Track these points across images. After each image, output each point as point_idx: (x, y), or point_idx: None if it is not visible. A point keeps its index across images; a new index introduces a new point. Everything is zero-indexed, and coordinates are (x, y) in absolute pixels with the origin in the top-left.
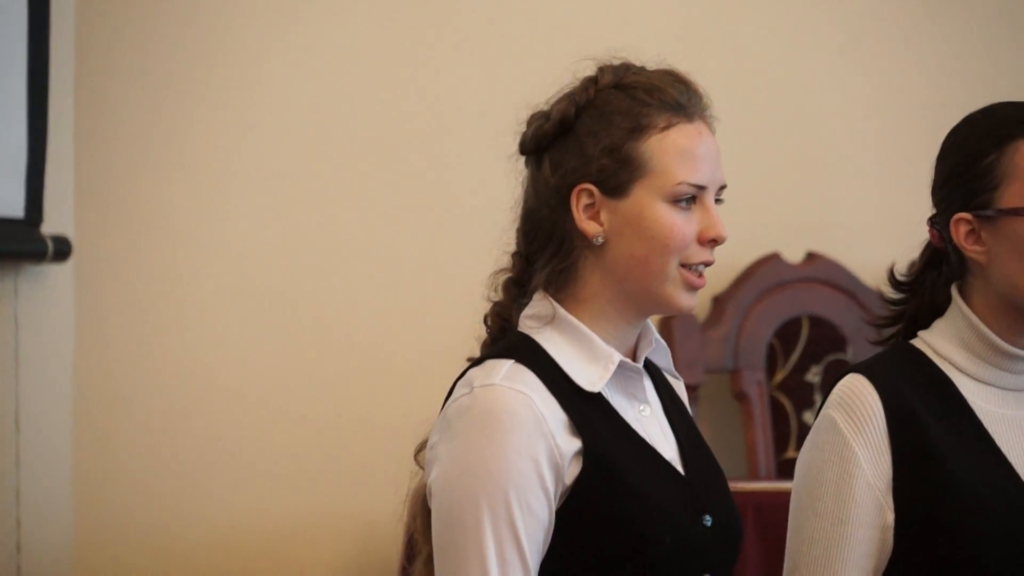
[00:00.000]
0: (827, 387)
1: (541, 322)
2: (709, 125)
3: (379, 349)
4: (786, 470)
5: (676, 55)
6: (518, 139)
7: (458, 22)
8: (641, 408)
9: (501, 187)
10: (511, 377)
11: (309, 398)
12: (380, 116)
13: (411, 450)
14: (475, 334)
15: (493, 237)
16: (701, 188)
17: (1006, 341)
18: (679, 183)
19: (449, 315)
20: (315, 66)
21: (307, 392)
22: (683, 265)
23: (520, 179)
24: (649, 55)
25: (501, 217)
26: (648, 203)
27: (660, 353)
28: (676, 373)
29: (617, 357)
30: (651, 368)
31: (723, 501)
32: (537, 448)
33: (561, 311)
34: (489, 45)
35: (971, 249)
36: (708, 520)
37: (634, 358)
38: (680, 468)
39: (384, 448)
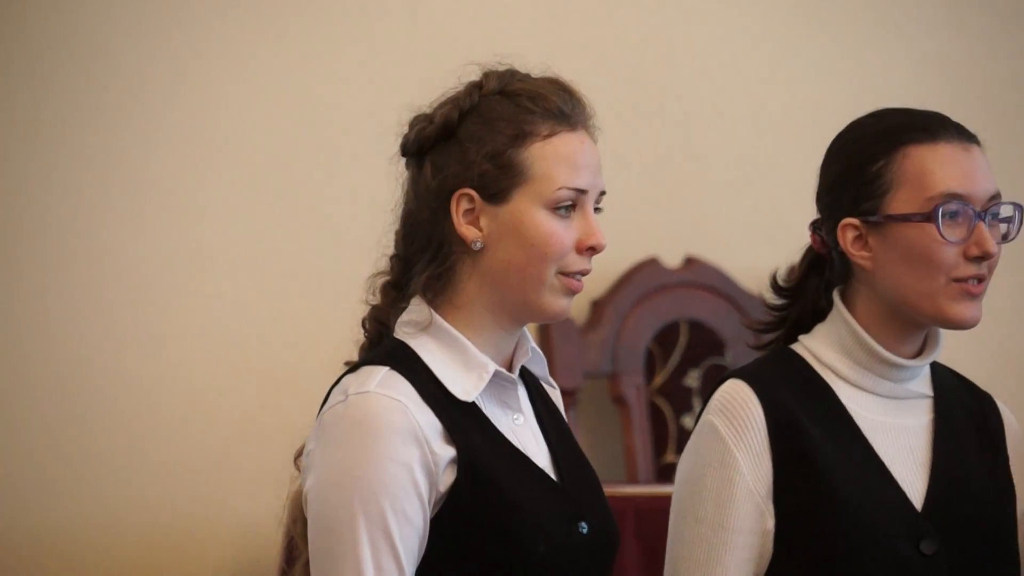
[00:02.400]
0: (706, 391)
1: (417, 328)
2: (591, 134)
3: (260, 352)
4: (665, 474)
5: (554, 59)
6: (400, 141)
7: (341, 22)
8: (515, 417)
9: (382, 189)
10: (385, 384)
11: (189, 401)
12: (261, 118)
13: (291, 452)
14: (354, 337)
15: (373, 239)
16: (581, 192)
17: (887, 349)
18: (559, 188)
19: (329, 318)
20: (193, 67)
21: (187, 395)
22: (561, 273)
23: (401, 181)
24: (529, 59)
25: (381, 219)
26: (528, 210)
27: (536, 362)
28: (552, 382)
29: (492, 367)
30: (527, 376)
31: (599, 508)
32: (411, 455)
33: (437, 318)
34: (372, 46)
35: (857, 255)
36: (584, 527)
37: (510, 366)
38: (554, 476)
39: (264, 451)
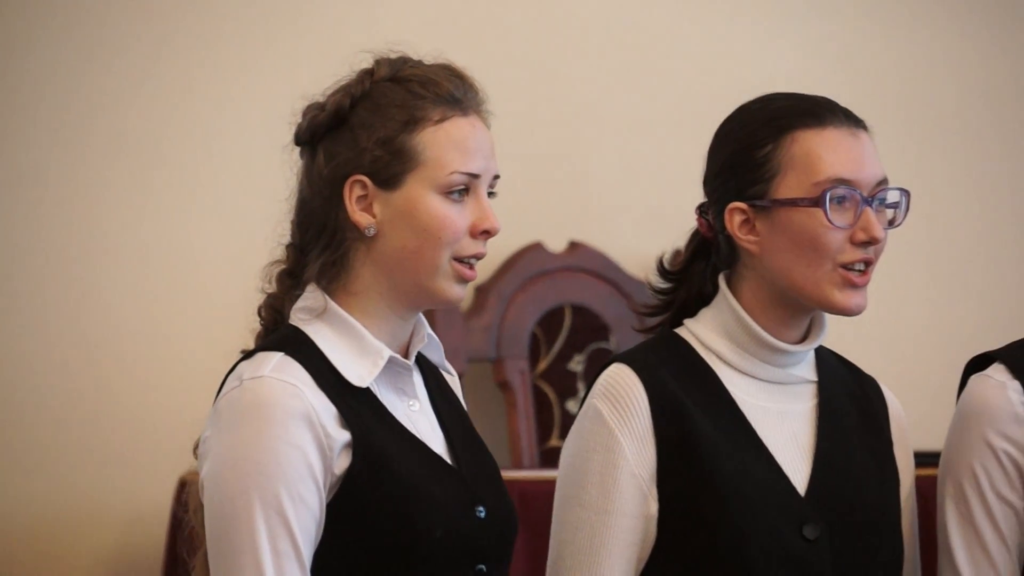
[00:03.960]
0: (590, 376)
1: (312, 315)
2: (484, 119)
3: (152, 340)
4: (550, 459)
5: (444, 46)
6: (293, 130)
7: (234, 14)
8: (410, 403)
9: (276, 178)
10: (280, 369)
11: (76, 389)
12: (155, 111)
13: (178, 441)
14: (250, 326)
15: (269, 228)
16: (474, 177)
17: (772, 334)
18: (451, 172)
19: (224, 306)
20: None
21: (76, 383)
22: (455, 258)
23: (295, 170)
24: (421, 46)
25: (277, 208)
26: (421, 195)
27: (433, 348)
28: (450, 368)
29: (387, 353)
30: (424, 363)
31: (496, 493)
32: (306, 439)
33: (332, 304)
34: (263, 35)
35: (744, 239)
36: (481, 512)
37: (406, 353)
38: (450, 462)
39: (150, 440)
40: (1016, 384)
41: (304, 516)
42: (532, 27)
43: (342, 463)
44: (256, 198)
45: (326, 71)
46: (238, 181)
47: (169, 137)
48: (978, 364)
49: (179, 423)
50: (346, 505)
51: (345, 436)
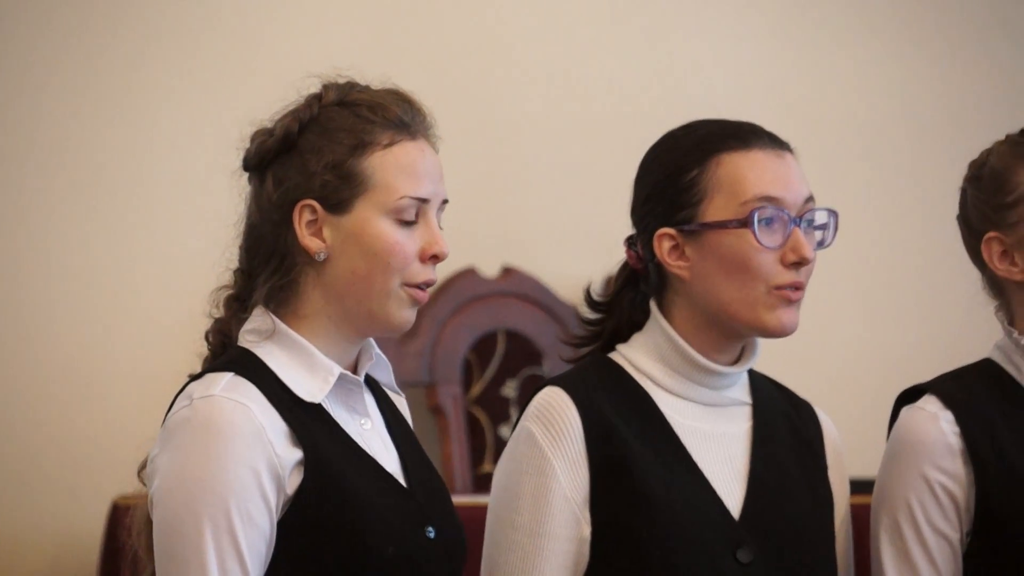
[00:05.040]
0: (523, 401)
1: (261, 336)
2: (432, 143)
3: (85, 364)
4: (482, 484)
5: (383, 70)
6: (242, 155)
7: (181, 38)
8: (362, 422)
9: (225, 204)
10: (230, 388)
11: (6, 412)
12: (105, 134)
13: (111, 466)
14: (197, 351)
15: (217, 254)
16: (423, 201)
17: (705, 356)
18: (401, 197)
19: (160, 331)
20: (12, 76)
21: (4, 406)
22: (406, 284)
23: (243, 196)
24: (363, 70)
25: (224, 233)
26: (370, 219)
27: (381, 368)
28: (397, 389)
29: (337, 370)
30: (372, 383)
31: (446, 514)
32: (257, 458)
33: (281, 325)
34: (212, 60)
35: (674, 264)
36: (431, 532)
37: (355, 372)
38: (403, 481)
39: (82, 464)
40: (948, 415)
41: (253, 536)
42: (468, 53)
43: (294, 481)
44: (202, 223)
45: (274, 96)
46: (184, 206)
47: (116, 161)
48: (909, 396)
49: (111, 447)
50: (297, 522)
51: (297, 454)
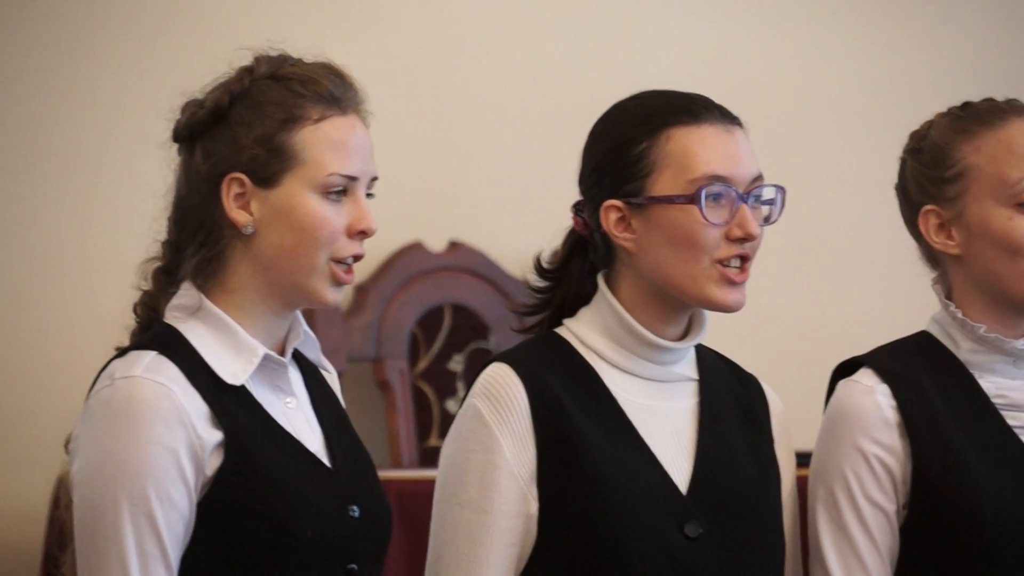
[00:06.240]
0: (469, 375)
1: (186, 313)
2: (363, 119)
3: (30, 335)
4: (429, 458)
5: (323, 43)
6: (172, 126)
7: (116, 7)
8: (287, 400)
9: (154, 175)
10: (152, 369)
11: None
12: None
13: (57, 438)
14: (125, 323)
15: (145, 225)
16: (352, 179)
17: (652, 331)
18: (330, 174)
19: (101, 303)
20: None
21: None
22: (333, 259)
23: (173, 167)
24: (301, 44)
25: (154, 205)
26: (298, 194)
27: (309, 345)
28: (328, 366)
29: (261, 351)
30: (302, 360)
31: (372, 492)
32: (176, 439)
33: (207, 302)
34: (145, 31)
35: (621, 236)
36: (355, 511)
37: (283, 349)
38: (326, 460)
39: (27, 437)
40: (884, 388)
41: (172, 517)
42: (412, 26)
43: (214, 462)
44: (132, 194)
45: (206, 68)
46: (114, 177)
47: (45, 132)
48: (846, 369)
49: (57, 419)
50: (217, 504)
51: (217, 435)
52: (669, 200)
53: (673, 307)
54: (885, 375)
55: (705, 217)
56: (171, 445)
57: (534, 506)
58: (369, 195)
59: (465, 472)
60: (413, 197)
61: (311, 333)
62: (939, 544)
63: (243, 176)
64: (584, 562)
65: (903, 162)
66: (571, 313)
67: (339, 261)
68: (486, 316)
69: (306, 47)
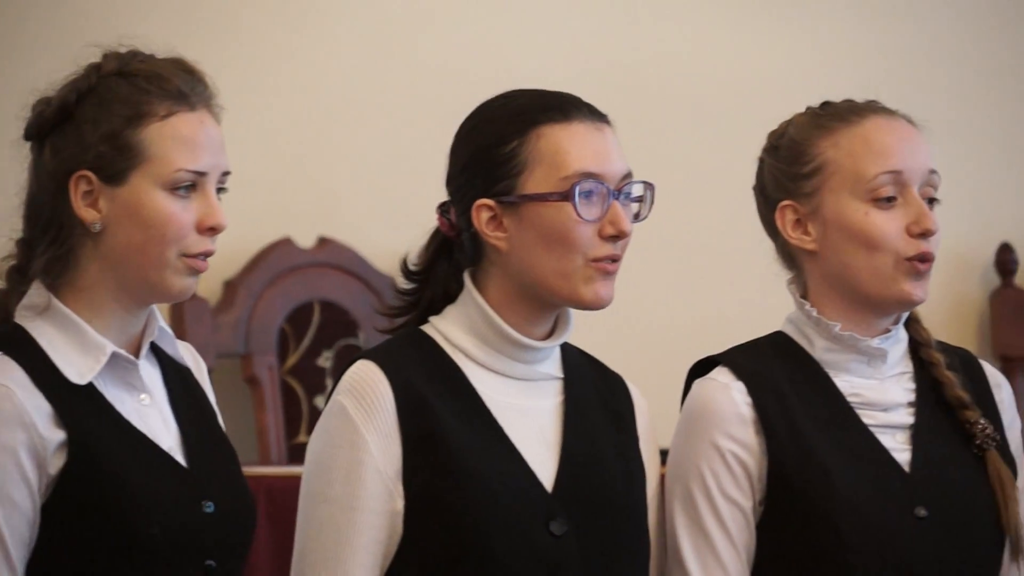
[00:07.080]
0: (338, 372)
1: (34, 312)
2: (214, 114)
3: None
4: (297, 455)
5: (185, 40)
6: (24, 125)
7: None
8: (141, 398)
9: (9, 173)
10: None
11: None
12: None
13: None
14: None
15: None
16: (201, 175)
17: (518, 331)
18: (177, 170)
19: None
20: None
21: None
22: (184, 255)
23: (27, 165)
24: (158, 41)
25: (7, 203)
26: (146, 191)
27: (166, 340)
28: (184, 360)
29: (109, 349)
30: (163, 356)
31: (231, 488)
32: (17, 440)
33: (55, 302)
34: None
35: (492, 236)
36: (210, 507)
37: (139, 345)
38: (181, 457)
39: None
40: (740, 385)
41: (15, 519)
42: (281, 21)
43: (57, 463)
44: None
45: (60, 66)
46: None
47: None
48: (702, 368)
49: None
50: (61, 505)
51: (60, 436)
52: (542, 198)
53: (540, 306)
54: (740, 373)
55: (579, 214)
56: (11, 446)
57: (400, 503)
58: (221, 190)
59: (331, 469)
60: (282, 193)
61: (167, 329)
62: (795, 540)
63: (90, 174)
64: (450, 560)
65: (761, 162)
66: (438, 311)
67: (190, 256)
68: (355, 313)
69: (164, 45)
